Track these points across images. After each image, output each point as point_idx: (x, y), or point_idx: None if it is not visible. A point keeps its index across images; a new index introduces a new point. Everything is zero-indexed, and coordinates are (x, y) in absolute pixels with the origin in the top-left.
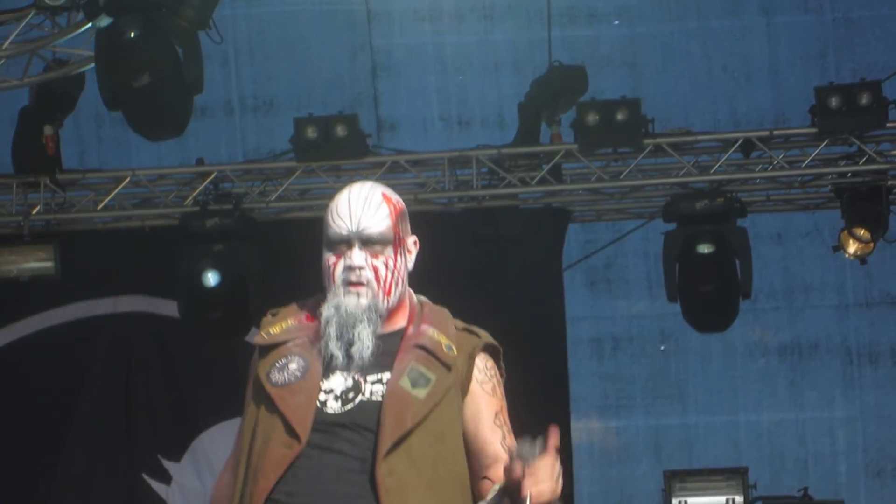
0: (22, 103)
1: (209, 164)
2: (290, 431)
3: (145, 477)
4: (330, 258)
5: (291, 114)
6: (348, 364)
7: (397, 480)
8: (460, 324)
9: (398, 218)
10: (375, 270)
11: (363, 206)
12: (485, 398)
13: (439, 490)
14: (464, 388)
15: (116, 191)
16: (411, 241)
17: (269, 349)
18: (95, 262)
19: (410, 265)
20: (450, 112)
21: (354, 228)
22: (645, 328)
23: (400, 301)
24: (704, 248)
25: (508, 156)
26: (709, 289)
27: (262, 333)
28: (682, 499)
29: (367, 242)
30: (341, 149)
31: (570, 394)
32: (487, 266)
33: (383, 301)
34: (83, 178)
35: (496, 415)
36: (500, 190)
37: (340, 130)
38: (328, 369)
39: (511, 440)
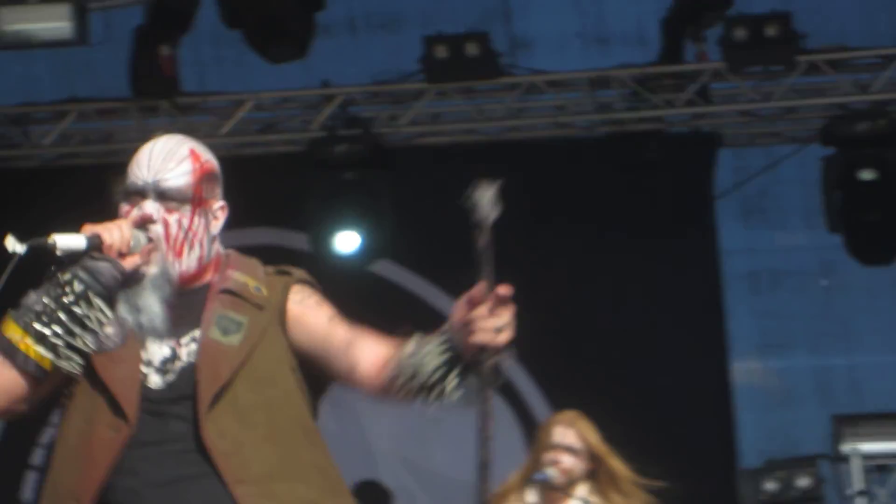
0: (136, 22)
1: (335, 87)
2: (118, 410)
3: None
4: (123, 208)
5: (419, 31)
6: (142, 332)
7: (231, 441)
8: (271, 269)
9: (203, 177)
10: (166, 226)
11: (163, 158)
12: (311, 311)
13: (281, 439)
14: (283, 321)
15: (238, 115)
16: (217, 207)
17: None
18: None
19: (215, 230)
20: (586, 28)
21: (151, 179)
22: (805, 261)
23: (201, 264)
24: (867, 175)
25: (652, 75)
26: (874, 218)
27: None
28: (854, 445)
29: (163, 196)
30: (473, 68)
31: (727, 333)
32: (631, 196)
33: (173, 264)
34: (203, 101)
35: (330, 318)
36: (645, 112)
37: (471, 49)
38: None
39: (359, 327)
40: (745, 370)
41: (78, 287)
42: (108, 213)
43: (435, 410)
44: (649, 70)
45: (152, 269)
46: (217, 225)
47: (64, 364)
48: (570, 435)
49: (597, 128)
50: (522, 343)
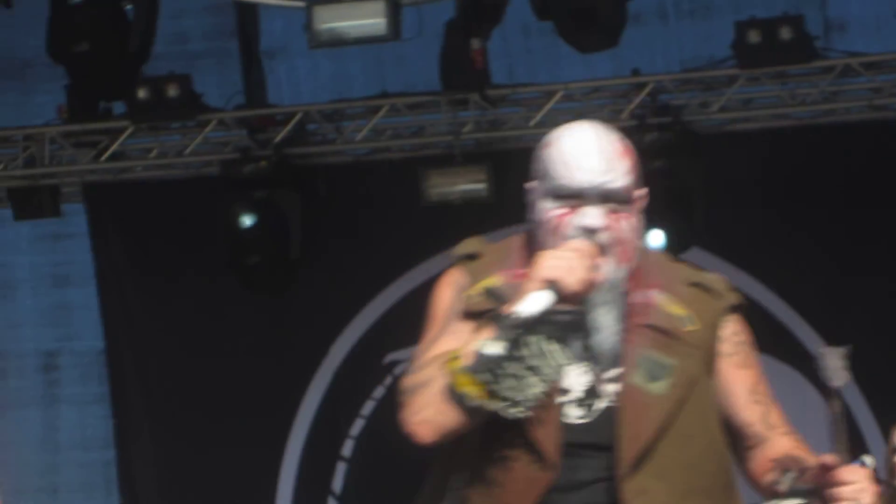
0: (447, 16)
1: (645, 75)
2: (534, 450)
3: None
4: (553, 210)
5: (731, 17)
6: (585, 355)
7: (649, 500)
8: (687, 270)
9: (636, 172)
10: (614, 232)
11: (605, 157)
12: (736, 374)
13: (697, 495)
14: (709, 366)
15: (548, 106)
16: (644, 203)
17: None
18: (528, 182)
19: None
20: None
21: (596, 181)
22: None
23: (630, 274)
24: None
25: None
26: None
27: (466, 296)
28: None
29: (607, 199)
30: (787, 52)
31: None
32: None
33: (618, 271)
34: (513, 93)
35: (751, 390)
36: None
37: (785, 33)
38: None
39: (775, 412)
40: None
41: (540, 344)
42: (418, 205)
43: None
44: None
45: (602, 283)
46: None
47: (516, 413)
48: None
49: None
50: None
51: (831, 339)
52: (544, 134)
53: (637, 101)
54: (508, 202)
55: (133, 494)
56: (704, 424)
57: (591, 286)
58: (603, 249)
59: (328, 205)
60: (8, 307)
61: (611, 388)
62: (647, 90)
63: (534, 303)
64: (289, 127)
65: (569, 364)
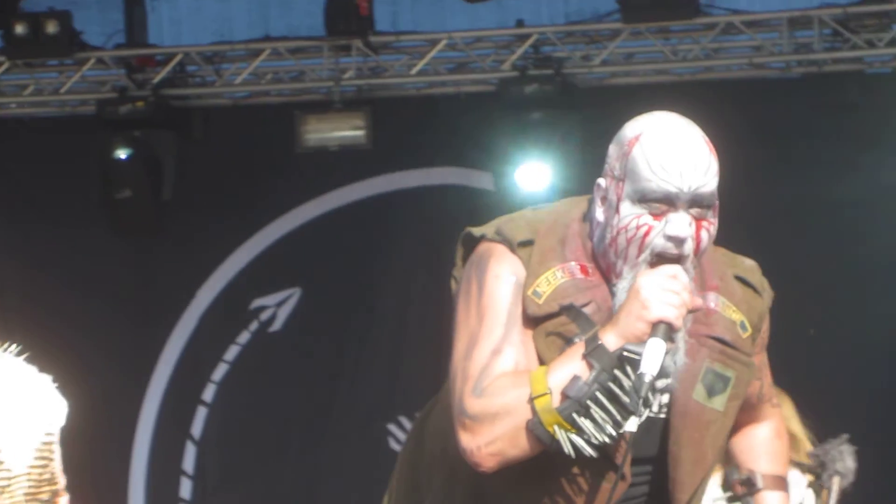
0: None
1: (529, 27)
2: (605, 456)
3: None
4: (641, 217)
5: None
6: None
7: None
8: (726, 257)
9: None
10: (698, 242)
11: (696, 161)
12: (763, 372)
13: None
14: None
15: (431, 54)
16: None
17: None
18: (408, 130)
19: None
20: None
21: (688, 188)
22: None
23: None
24: None
25: (854, 15)
26: None
27: (532, 295)
28: None
29: (693, 203)
30: (671, 8)
31: None
32: (828, 137)
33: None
34: (397, 40)
35: (760, 394)
36: (845, 53)
37: None
38: None
39: (767, 383)
40: None
41: (631, 380)
42: (294, 151)
43: None
44: (852, 10)
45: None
46: None
47: (594, 447)
48: None
49: (793, 69)
50: None
51: None
52: (426, 82)
53: (520, 52)
54: (386, 149)
55: None
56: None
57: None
58: (683, 259)
59: (204, 147)
60: None
61: (660, 398)
62: (530, 41)
63: (654, 357)
64: (168, 68)
65: (653, 394)
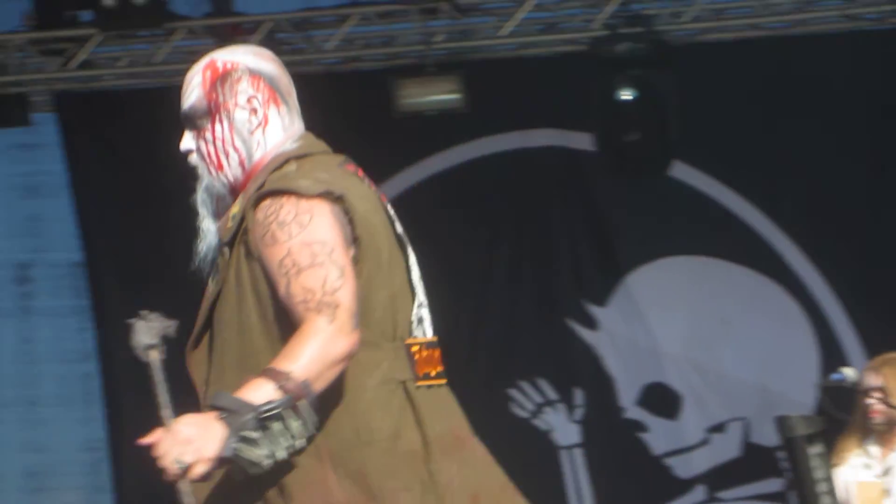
0: None
1: None
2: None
3: (570, 323)
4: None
5: None
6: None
7: (198, 372)
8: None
9: (214, 81)
10: (201, 152)
11: (184, 87)
12: (266, 252)
13: (231, 370)
14: (250, 251)
15: (519, 15)
16: (243, 101)
17: None
18: (503, 93)
19: (250, 126)
20: None
21: (180, 112)
22: None
23: (245, 169)
24: None
25: None
26: None
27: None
28: None
29: (188, 122)
30: None
31: None
32: None
33: (218, 178)
34: (484, 2)
35: (279, 263)
36: None
37: None
38: None
39: (296, 283)
40: None
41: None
42: (390, 116)
43: (725, 313)
44: None
45: (199, 189)
46: (252, 119)
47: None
48: (875, 379)
49: (887, 20)
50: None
51: (813, 253)
52: (516, 43)
53: (609, 10)
54: (482, 112)
55: (116, 406)
56: (239, 307)
57: None
58: (197, 168)
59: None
60: None
61: None
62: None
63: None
64: (258, 36)
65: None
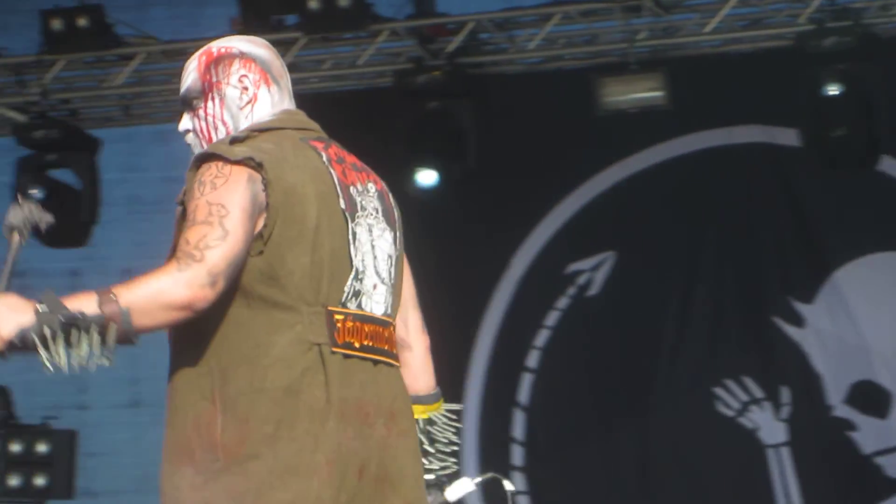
0: None
1: None
2: None
3: (776, 320)
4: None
5: None
6: None
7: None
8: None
9: (208, 64)
10: (195, 129)
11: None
12: (186, 207)
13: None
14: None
15: (723, 11)
16: (235, 79)
17: None
18: (706, 89)
19: (239, 102)
20: None
21: (179, 95)
22: None
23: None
24: None
25: None
26: None
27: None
28: None
29: (185, 104)
30: None
31: None
32: None
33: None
34: None
35: (187, 216)
36: None
37: None
38: None
39: (184, 234)
40: None
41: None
42: (593, 114)
43: None
44: None
45: None
46: (243, 96)
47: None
48: None
49: None
50: None
51: None
52: (721, 39)
53: (815, 4)
54: (685, 109)
55: None
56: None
57: None
58: (193, 146)
59: (503, 115)
60: None
61: None
62: None
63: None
64: (461, 36)
65: None
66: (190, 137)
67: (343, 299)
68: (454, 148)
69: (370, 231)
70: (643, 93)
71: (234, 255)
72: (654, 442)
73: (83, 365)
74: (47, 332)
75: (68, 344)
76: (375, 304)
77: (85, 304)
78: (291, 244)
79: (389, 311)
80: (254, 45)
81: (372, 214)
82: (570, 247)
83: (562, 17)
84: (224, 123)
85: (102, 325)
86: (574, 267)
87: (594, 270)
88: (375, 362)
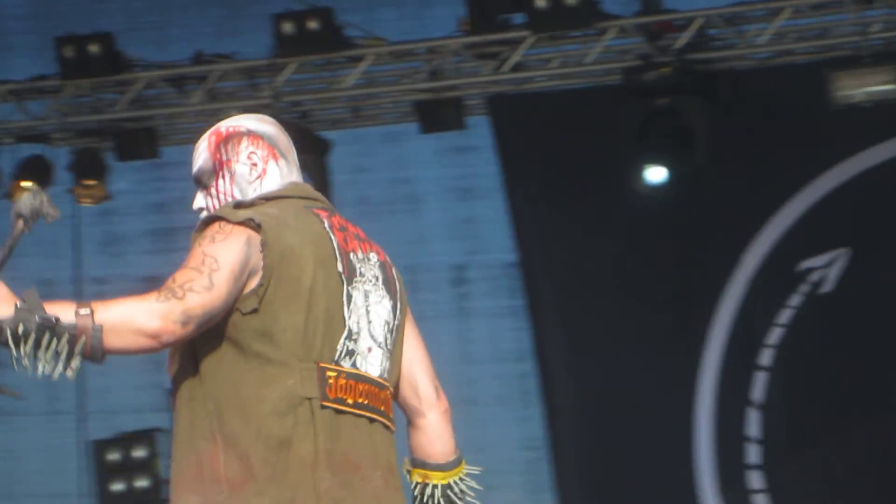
0: None
1: None
2: None
3: None
4: None
5: None
6: None
7: None
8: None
9: (218, 144)
10: (208, 207)
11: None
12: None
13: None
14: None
15: None
16: (244, 157)
17: None
18: None
19: (249, 177)
20: None
21: (192, 175)
22: None
23: None
24: None
25: None
26: None
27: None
28: None
29: (198, 183)
30: None
31: None
32: None
33: None
34: None
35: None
36: None
37: None
38: None
39: (172, 274)
40: None
41: None
42: (825, 108)
43: None
44: None
45: None
46: (252, 172)
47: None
48: None
49: None
50: None
51: None
52: None
53: None
54: None
55: (554, 406)
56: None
57: None
58: None
59: (734, 110)
60: (416, 221)
61: None
62: None
63: None
64: (690, 32)
65: None
66: (203, 216)
67: (336, 357)
68: (683, 145)
69: (367, 296)
70: (877, 86)
71: (212, 308)
72: (894, 443)
73: (47, 371)
74: (21, 329)
75: (38, 346)
76: (371, 365)
77: (62, 310)
78: (286, 303)
79: (386, 375)
80: (261, 123)
81: (371, 281)
82: (803, 243)
83: (792, 11)
84: (234, 198)
85: (74, 334)
86: (806, 264)
87: (827, 267)
88: (371, 420)
